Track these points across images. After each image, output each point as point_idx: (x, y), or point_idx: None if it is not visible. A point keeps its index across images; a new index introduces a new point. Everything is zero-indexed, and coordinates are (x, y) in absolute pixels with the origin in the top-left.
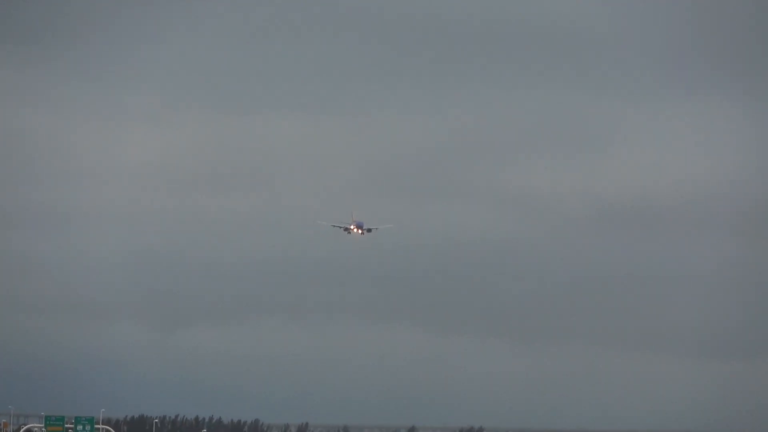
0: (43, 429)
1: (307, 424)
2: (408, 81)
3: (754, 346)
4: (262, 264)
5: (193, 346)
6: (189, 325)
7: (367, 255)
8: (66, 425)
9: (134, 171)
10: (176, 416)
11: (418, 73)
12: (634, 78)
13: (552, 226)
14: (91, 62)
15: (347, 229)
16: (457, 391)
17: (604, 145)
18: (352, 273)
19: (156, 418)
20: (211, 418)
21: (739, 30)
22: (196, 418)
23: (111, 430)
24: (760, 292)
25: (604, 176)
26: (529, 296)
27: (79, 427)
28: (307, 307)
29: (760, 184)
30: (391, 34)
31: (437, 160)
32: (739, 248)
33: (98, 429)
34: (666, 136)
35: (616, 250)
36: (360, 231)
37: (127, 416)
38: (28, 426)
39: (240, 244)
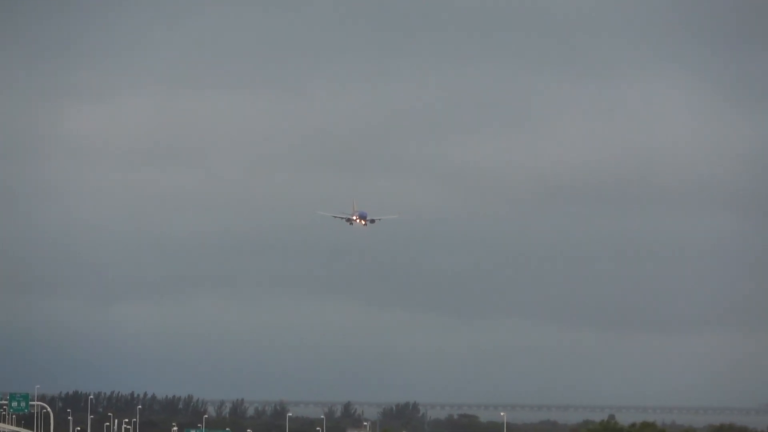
0: None
1: (242, 399)
2: (349, 55)
3: (695, 320)
4: (196, 239)
5: (128, 322)
6: (123, 301)
7: (301, 230)
8: (0, 401)
9: (75, 147)
10: (111, 392)
11: (360, 47)
12: (579, 54)
13: (493, 201)
14: (36, 40)
15: (350, 220)
16: (392, 367)
17: (548, 121)
18: (286, 248)
19: (91, 395)
20: (145, 394)
21: (683, 6)
22: (132, 393)
23: (46, 406)
24: (706, 266)
25: (548, 151)
26: (466, 271)
27: (14, 404)
28: (242, 282)
29: (706, 157)
30: (335, 8)
31: (378, 135)
32: (681, 222)
33: (33, 405)
34: (610, 111)
35: (557, 226)
36: (363, 222)
37: (62, 392)
38: None
39: (176, 220)
